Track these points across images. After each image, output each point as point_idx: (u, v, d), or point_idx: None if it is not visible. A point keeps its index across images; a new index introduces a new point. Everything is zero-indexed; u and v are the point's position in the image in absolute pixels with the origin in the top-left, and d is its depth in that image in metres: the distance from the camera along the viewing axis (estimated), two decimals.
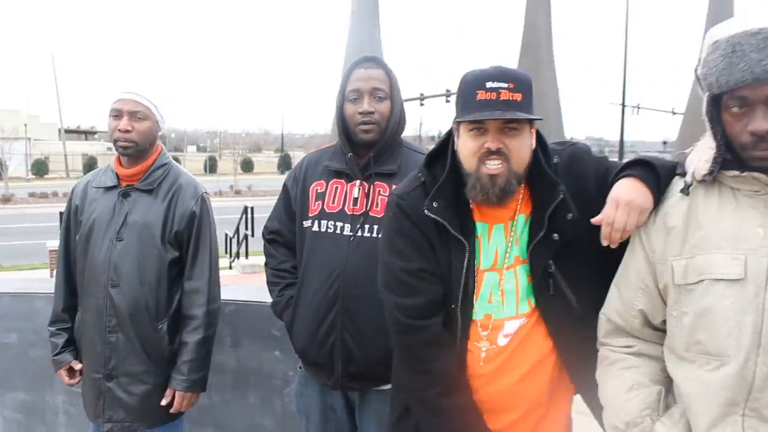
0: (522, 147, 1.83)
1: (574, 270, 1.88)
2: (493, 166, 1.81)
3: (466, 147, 1.84)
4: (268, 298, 3.65)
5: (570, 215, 1.81)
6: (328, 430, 2.68)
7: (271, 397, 3.53)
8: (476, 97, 1.78)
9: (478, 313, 1.90)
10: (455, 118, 1.87)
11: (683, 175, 1.70)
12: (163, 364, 2.79)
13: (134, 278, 2.73)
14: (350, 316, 2.49)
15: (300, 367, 2.77)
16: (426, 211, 1.89)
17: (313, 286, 2.59)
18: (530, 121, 1.85)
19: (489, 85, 1.78)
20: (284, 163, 56.73)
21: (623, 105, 30.22)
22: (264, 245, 2.85)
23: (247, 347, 2.86)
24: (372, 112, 2.55)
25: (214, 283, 2.84)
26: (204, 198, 2.85)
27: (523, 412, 1.93)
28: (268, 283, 2.82)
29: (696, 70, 1.59)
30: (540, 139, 1.94)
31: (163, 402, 2.79)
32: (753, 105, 1.48)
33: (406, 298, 1.90)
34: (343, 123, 2.61)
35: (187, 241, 2.81)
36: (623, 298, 1.75)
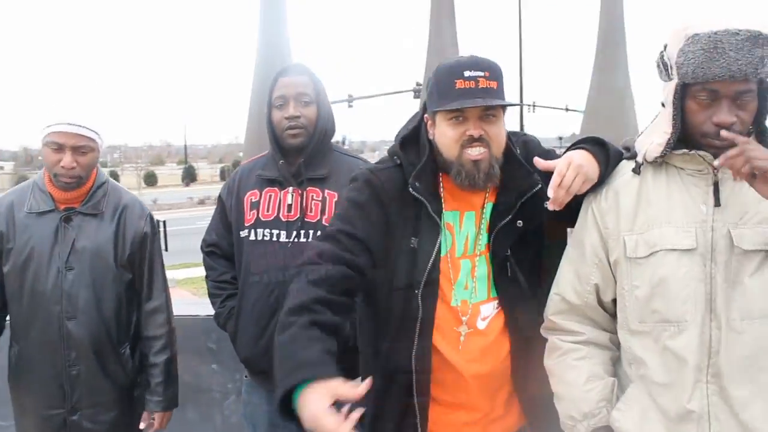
0: (500, 133, 1.92)
1: (526, 255, 1.98)
2: (476, 152, 1.87)
3: (446, 135, 1.89)
4: (200, 312, 3.63)
5: (546, 203, 1.86)
6: None
7: (210, 411, 3.49)
8: (455, 86, 1.84)
9: (456, 299, 1.96)
10: (432, 108, 1.92)
11: (632, 158, 1.82)
12: (126, 388, 2.69)
13: (92, 308, 2.57)
14: None
15: (246, 376, 2.78)
16: (411, 189, 1.92)
17: (253, 295, 2.60)
18: (504, 109, 1.94)
19: (467, 74, 1.84)
20: (189, 175, 55.38)
21: (521, 104, 31.29)
22: (203, 258, 2.84)
23: (182, 362, 2.82)
24: (298, 117, 2.59)
25: (170, 301, 2.78)
26: (151, 216, 2.76)
27: (509, 391, 2.01)
28: (210, 295, 2.82)
29: (663, 57, 1.69)
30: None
31: (142, 426, 2.68)
32: (720, 98, 1.61)
33: (324, 243, 1.91)
34: (271, 130, 2.65)
35: (140, 261, 2.68)
36: (579, 274, 1.84)
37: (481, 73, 1.84)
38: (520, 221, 1.94)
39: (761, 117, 1.68)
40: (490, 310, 1.97)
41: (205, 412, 3.50)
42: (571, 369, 1.83)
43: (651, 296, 1.69)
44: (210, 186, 40.55)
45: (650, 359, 1.70)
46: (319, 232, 2.46)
